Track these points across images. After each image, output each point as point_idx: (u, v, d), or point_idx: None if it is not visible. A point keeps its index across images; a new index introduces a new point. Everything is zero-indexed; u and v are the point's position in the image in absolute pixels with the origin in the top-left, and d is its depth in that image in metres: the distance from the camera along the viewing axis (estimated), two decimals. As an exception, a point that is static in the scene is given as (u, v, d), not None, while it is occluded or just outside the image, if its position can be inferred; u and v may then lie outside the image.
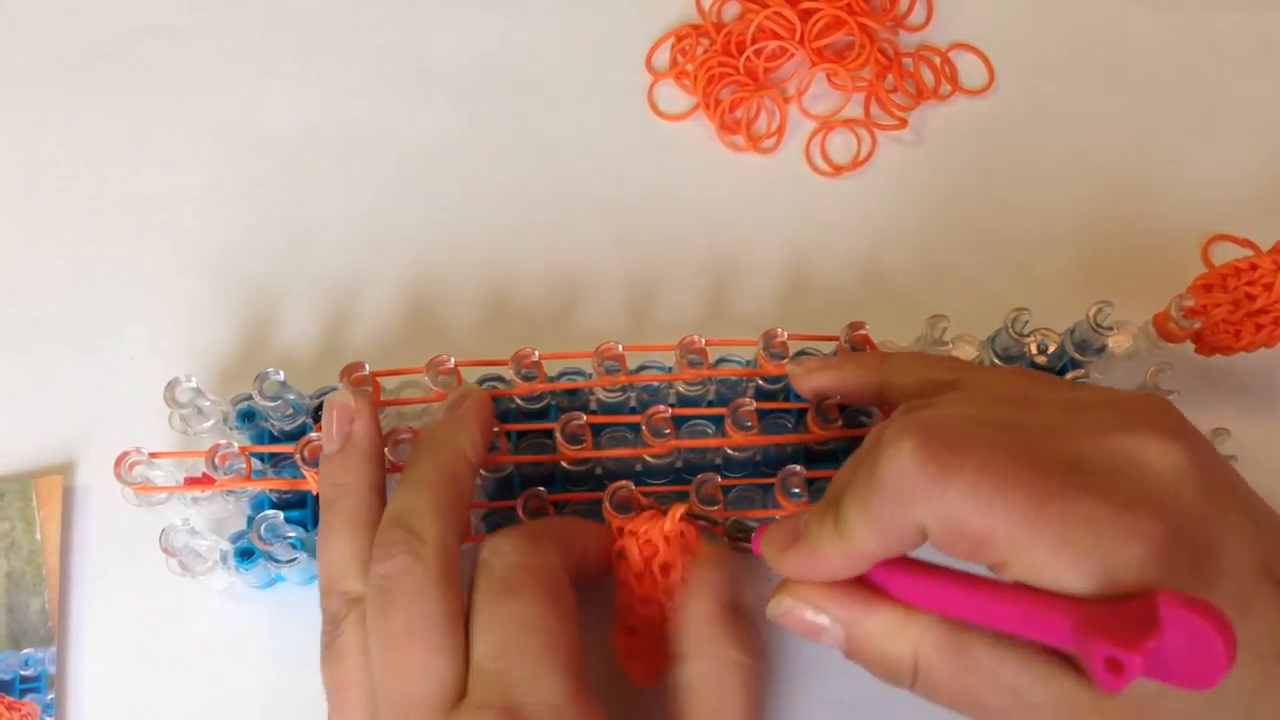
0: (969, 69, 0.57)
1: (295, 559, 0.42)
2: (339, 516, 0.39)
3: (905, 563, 0.35)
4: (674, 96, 0.56)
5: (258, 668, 0.44)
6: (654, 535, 0.40)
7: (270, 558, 0.42)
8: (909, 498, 0.32)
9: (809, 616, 0.36)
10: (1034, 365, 0.46)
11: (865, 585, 0.35)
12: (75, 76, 0.56)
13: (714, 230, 0.53)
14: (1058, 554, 0.31)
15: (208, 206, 0.53)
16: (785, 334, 0.44)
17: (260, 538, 0.41)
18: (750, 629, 0.38)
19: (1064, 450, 0.33)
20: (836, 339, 0.45)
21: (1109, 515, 0.31)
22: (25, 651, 0.44)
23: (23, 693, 0.43)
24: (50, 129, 0.55)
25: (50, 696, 0.43)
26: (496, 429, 0.42)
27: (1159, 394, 0.38)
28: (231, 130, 0.55)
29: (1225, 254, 0.52)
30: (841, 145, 0.55)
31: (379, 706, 0.36)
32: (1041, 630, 0.31)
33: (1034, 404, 0.35)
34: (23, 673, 0.43)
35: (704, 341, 0.44)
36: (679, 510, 0.40)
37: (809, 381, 0.43)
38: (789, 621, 0.36)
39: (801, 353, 0.45)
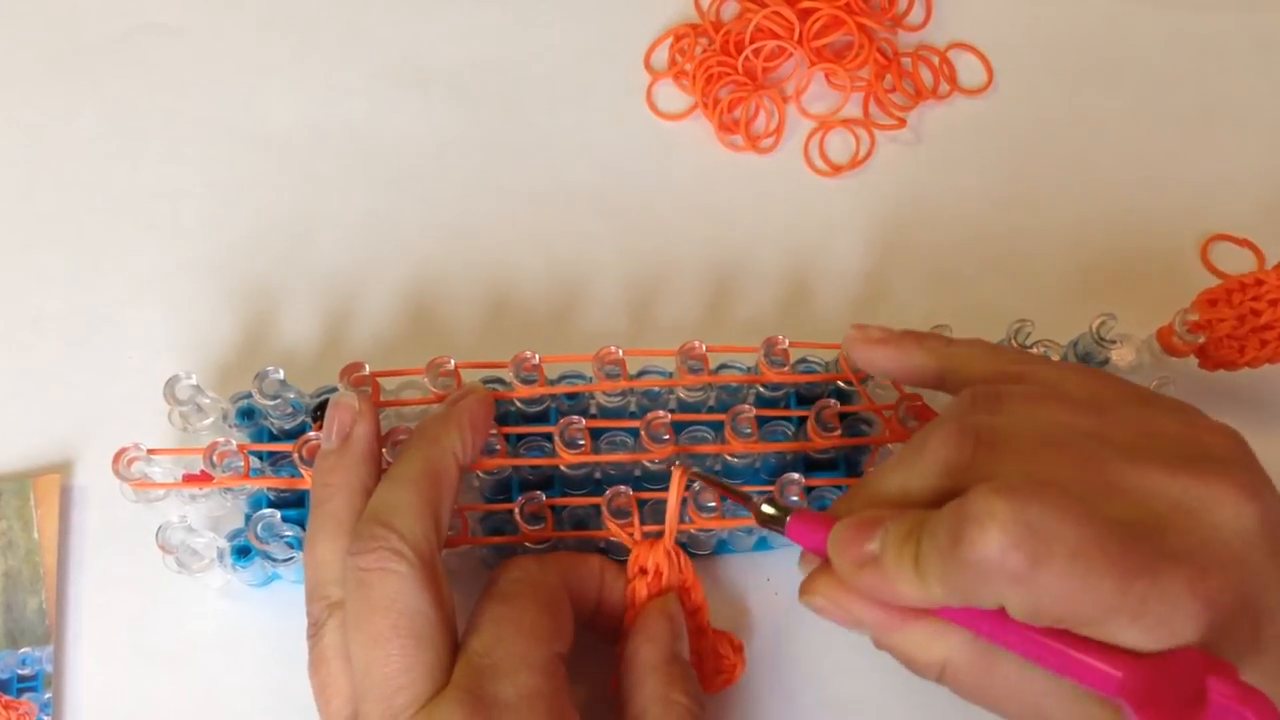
0: (968, 69, 0.57)
1: (292, 558, 0.42)
2: (327, 518, 0.38)
3: None
4: (672, 96, 0.56)
5: (254, 665, 0.44)
6: (659, 562, 0.41)
7: (267, 556, 0.42)
8: (992, 582, 0.31)
9: (842, 614, 0.36)
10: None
11: None
12: (75, 76, 0.56)
13: (713, 229, 0.53)
14: (1131, 625, 0.30)
15: (208, 206, 0.53)
16: (786, 341, 0.44)
17: (257, 536, 0.41)
18: (691, 676, 0.39)
19: (1142, 498, 0.32)
20: (838, 346, 0.44)
21: (1185, 588, 0.30)
22: (22, 650, 0.44)
23: (20, 692, 0.43)
24: (50, 129, 0.55)
25: (47, 695, 0.43)
26: (495, 432, 0.42)
27: (1232, 430, 0.36)
28: (231, 130, 0.55)
29: (1224, 254, 0.52)
30: (840, 145, 0.55)
31: (361, 703, 0.36)
32: (1090, 679, 0.31)
33: (1111, 415, 0.35)
34: (20, 672, 0.43)
35: (704, 348, 0.44)
36: (680, 474, 0.40)
37: (869, 353, 0.41)
38: (826, 615, 0.36)
39: (810, 363, 0.44)
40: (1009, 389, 0.36)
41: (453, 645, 0.37)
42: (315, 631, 0.38)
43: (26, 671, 0.44)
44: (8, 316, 0.51)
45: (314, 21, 0.57)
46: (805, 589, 0.36)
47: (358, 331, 0.50)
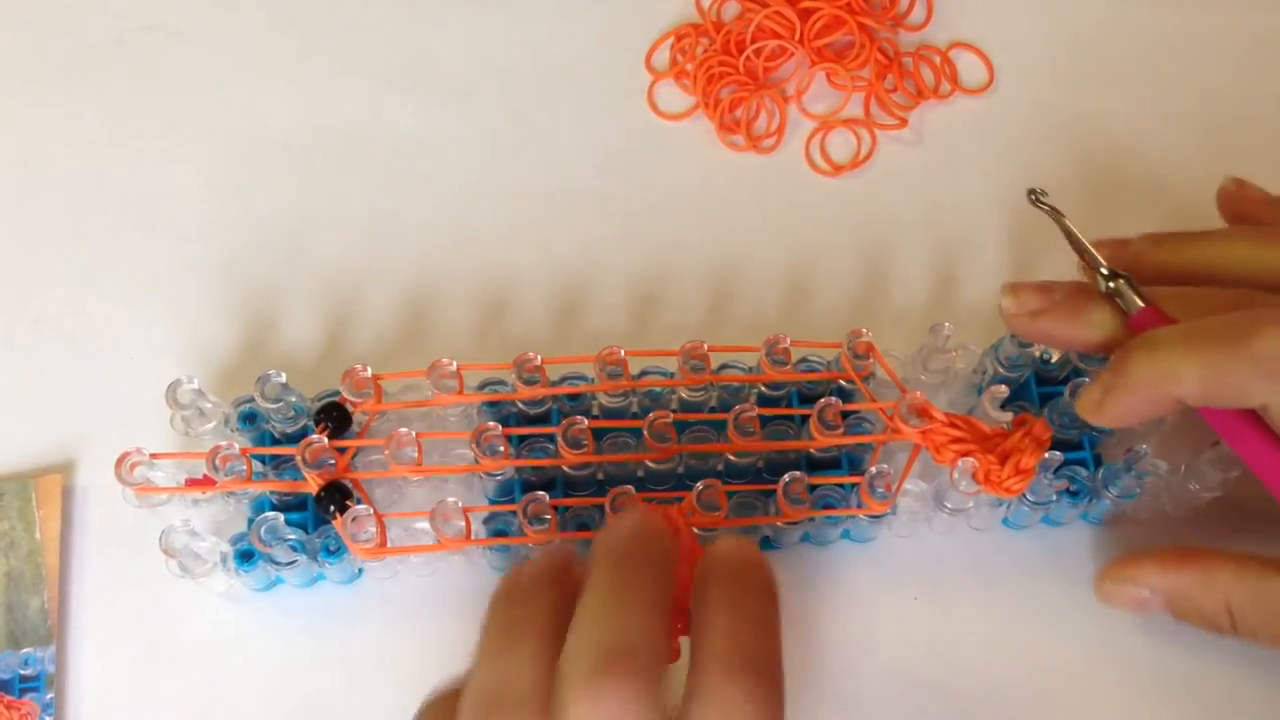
0: (969, 68, 0.57)
1: (295, 561, 0.42)
2: (526, 620, 0.31)
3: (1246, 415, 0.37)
4: (673, 96, 0.56)
5: (257, 669, 0.44)
6: (676, 519, 0.37)
7: (270, 560, 0.42)
8: (1265, 377, 0.35)
9: (1131, 591, 0.39)
10: (1038, 374, 0.45)
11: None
12: (75, 76, 0.56)
13: (714, 229, 0.53)
14: None
15: (208, 206, 0.53)
16: (788, 340, 0.44)
17: (260, 540, 0.41)
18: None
19: None
20: (839, 345, 0.44)
21: None
22: (24, 651, 0.44)
23: (22, 692, 0.43)
24: (50, 129, 0.55)
25: (49, 696, 0.43)
26: (498, 433, 0.42)
27: None
28: (231, 130, 0.55)
29: (1225, 255, 0.52)
30: (841, 145, 0.55)
31: None
32: None
33: None
34: (22, 672, 0.44)
35: (706, 347, 0.44)
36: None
37: (1032, 327, 0.41)
38: (1117, 601, 0.40)
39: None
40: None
41: None
42: None
43: (29, 672, 0.44)
44: (8, 316, 0.50)
45: (314, 22, 0.57)
46: (1095, 588, 0.41)
47: (359, 334, 0.50)
